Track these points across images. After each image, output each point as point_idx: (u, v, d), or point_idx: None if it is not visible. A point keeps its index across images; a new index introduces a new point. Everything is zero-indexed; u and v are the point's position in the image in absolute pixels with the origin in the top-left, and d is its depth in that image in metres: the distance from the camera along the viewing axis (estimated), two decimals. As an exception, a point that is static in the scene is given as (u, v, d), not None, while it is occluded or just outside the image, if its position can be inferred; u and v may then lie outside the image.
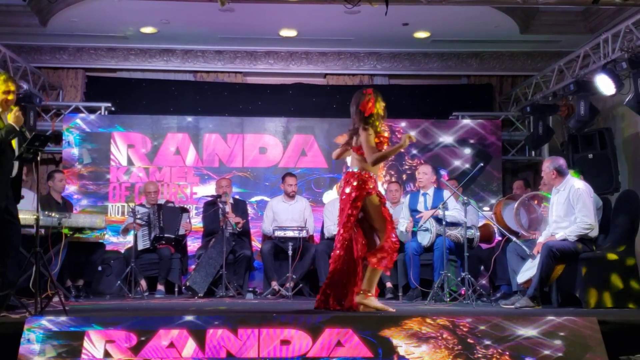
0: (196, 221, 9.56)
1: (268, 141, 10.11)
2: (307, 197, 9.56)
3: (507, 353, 4.27)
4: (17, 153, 5.35)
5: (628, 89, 7.60)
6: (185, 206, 9.26)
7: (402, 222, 8.17)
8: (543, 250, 6.61)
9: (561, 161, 7.03)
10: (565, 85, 8.86)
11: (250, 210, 9.47)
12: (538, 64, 10.54)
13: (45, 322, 4.27)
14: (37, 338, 4.18)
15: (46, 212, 7.11)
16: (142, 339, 4.22)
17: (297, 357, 4.20)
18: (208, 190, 9.64)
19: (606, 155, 8.57)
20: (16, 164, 5.43)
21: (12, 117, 5.27)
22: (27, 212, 6.28)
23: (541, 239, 6.98)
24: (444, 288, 7.20)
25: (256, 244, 9.39)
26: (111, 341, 4.20)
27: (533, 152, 10.54)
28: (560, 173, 6.93)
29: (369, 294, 5.70)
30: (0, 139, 5.21)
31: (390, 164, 10.06)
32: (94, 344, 4.18)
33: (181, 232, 8.75)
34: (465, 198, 7.41)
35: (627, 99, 7.56)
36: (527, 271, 6.85)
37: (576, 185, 6.83)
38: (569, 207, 6.79)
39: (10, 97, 5.37)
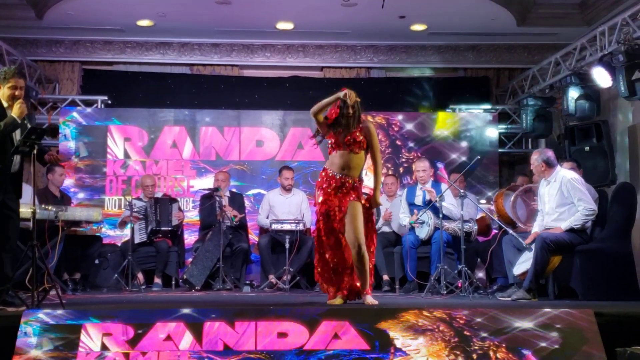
0: (193, 214, 9.57)
1: (265, 134, 10.10)
2: (304, 190, 9.53)
3: (504, 345, 4.28)
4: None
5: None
6: (174, 197, 9.21)
7: (403, 217, 8.19)
8: (537, 243, 6.64)
9: (549, 153, 7.05)
10: (562, 78, 8.85)
11: (247, 203, 9.47)
12: (535, 56, 10.54)
13: (42, 315, 4.27)
14: (34, 331, 4.18)
15: (43, 206, 7.11)
16: (139, 332, 4.22)
17: (294, 349, 4.21)
18: (205, 183, 9.65)
19: (603, 148, 8.57)
20: (18, 159, 5.43)
21: (15, 109, 5.28)
22: (24, 205, 6.26)
23: (536, 229, 7.01)
24: (441, 281, 7.21)
25: (253, 237, 9.39)
26: (108, 334, 4.20)
27: (530, 145, 10.55)
28: (549, 165, 6.95)
29: None
30: None
31: (387, 157, 10.07)
32: (91, 337, 4.19)
33: (174, 222, 8.74)
34: (463, 191, 7.41)
35: (621, 91, 7.57)
36: (523, 263, 6.86)
37: (567, 175, 6.86)
38: (561, 198, 6.81)
39: (18, 92, 5.38)
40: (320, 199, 5.83)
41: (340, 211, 5.74)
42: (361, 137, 5.79)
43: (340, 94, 5.71)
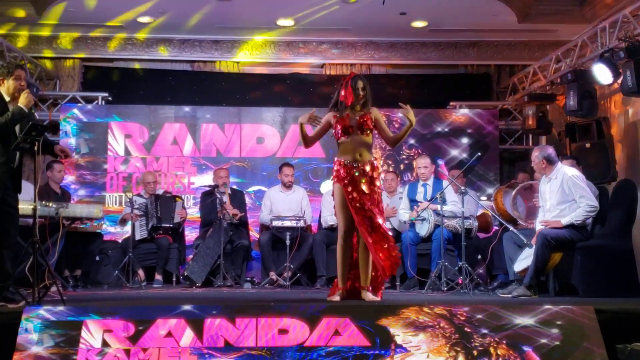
0: (194, 211, 9.56)
1: (265, 131, 10.10)
2: (304, 187, 9.55)
3: (504, 342, 4.29)
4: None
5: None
6: (178, 195, 9.22)
7: (403, 213, 8.19)
8: (538, 239, 6.64)
9: (550, 150, 7.04)
10: (562, 75, 8.85)
11: (247, 200, 9.46)
12: (535, 53, 10.52)
13: (43, 311, 4.27)
14: (34, 328, 4.18)
15: (44, 202, 7.10)
16: (140, 328, 4.23)
17: (294, 346, 4.21)
18: (205, 180, 9.64)
19: (603, 145, 8.56)
20: (17, 155, 5.43)
21: (22, 98, 5.28)
22: (24, 202, 6.28)
23: (539, 226, 7.00)
24: (441, 277, 7.22)
25: (254, 233, 9.39)
26: (109, 331, 4.21)
27: (530, 142, 10.55)
28: (550, 161, 6.95)
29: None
30: (7, 121, 5.21)
31: (387, 153, 10.06)
32: (92, 333, 4.19)
33: (176, 219, 8.74)
34: (463, 188, 7.41)
35: (622, 86, 7.54)
36: (524, 260, 6.86)
37: (568, 172, 6.86)
38: (562, 195, 6.81)
39: (23, 82, 5.42)
40: (340, 191, 5.78)
41: (367, 200, 5.73)
42: (372, 119, 5.87)
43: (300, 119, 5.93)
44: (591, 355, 4.24)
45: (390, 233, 5.81)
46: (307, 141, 6.06)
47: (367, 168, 5.79)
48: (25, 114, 5.30)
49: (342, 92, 5.87)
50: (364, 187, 5.73)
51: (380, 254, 5.66)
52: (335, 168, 5.88)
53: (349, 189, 5.74)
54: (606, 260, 6.76)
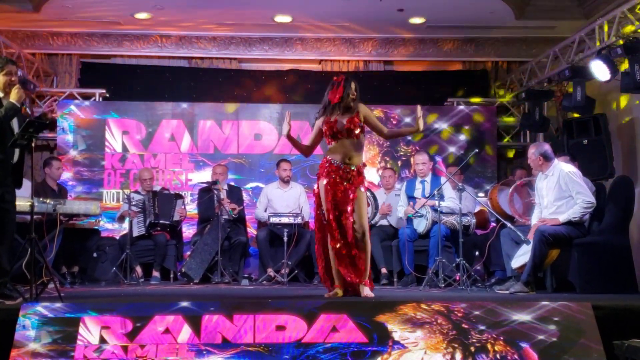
0: (191, 208, 9.56)
1: (263, 128, 10.09)
2: (302, 183, 9.53)
3: (502, 338, 4.29)
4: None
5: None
6: (180, 192, 9.26)
7: (401, 209, 8.19)
8: (535, 236, 6.64)
9: (546, 147, 7.04)
10: (560, 71, 8.85)
11: (245, 196, 9.46)
12: (533, 49, 10.51)
13: (40, 308, 4.27)
14: (32, 324, 4.17)
15: (41, 199, 7.09)
16: (138, 324, 4.22)
17: (292, 342, 4.21)
18: (203, 176, 9.64)
19: (601, 141, 8.57)
20: (17, 150, 5.42)
21: (13, 94, 5.27)
22: (21, 198, 6.26)
23: (535, 221, 7.00)
24: (439, 274, 7.22)
25: (251, 230, 9.40)
26: (107, 327, 4.20)
27: (528, 138, 10.55)
28: (547, 158, 6.95)
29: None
30: (0, 117, 5.20)
31: (385, 150, 10.07)
32: (90, 330, 4.19)
33: (176, 218, 8.75)
34: (461, 184, 7.41)
35: (622, 84, 7.53)
36: (521, 256, 6.87)
37: (565, 168, 6.86)
38: (559, 191, 6.82)
39: (14, 78, 5.40)
40: (324, 191, 5.74)
41: (349, 202, 5.67)
42: (360, 120, 5.78)
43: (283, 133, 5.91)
44: (588, 351, 4.25)
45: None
46: (304, 150, 6.12)
47: (354, 172, 5.74)
48: (17, 108, 5.28)
49: (331, 93, 5.80)
50: (344, 190, 5.70)
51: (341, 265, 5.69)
52: (322, 165, 5.84)
53: (329, 187, 5.72)
54: (603, 256, 6.77)
